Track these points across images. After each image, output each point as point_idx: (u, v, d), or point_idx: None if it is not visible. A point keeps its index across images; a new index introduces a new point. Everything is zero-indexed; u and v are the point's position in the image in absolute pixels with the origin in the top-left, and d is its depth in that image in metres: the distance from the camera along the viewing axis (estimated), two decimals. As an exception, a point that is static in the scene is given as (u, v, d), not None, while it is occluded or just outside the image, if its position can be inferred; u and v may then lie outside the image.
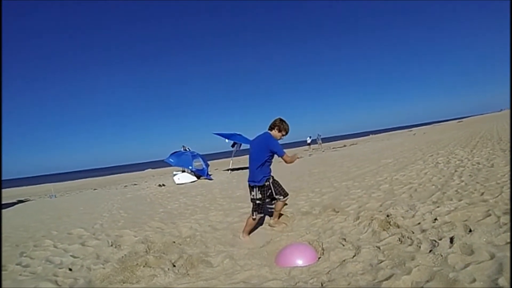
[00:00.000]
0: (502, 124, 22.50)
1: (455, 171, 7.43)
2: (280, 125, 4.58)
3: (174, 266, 3.74)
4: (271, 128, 4.64)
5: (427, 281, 2.62)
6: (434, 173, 7.56)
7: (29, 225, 7.17)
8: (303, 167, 14.24)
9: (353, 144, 35.13)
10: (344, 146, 33.13)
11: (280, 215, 5.26)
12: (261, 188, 4.54)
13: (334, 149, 30.40)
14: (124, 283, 3.40)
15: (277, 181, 4.87)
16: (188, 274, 3.54)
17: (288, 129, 4.64)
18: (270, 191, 4.70)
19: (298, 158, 4.86)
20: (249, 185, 4.65)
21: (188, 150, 16.20)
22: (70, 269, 3.90)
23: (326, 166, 13.19)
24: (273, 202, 4.99)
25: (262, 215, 4.65)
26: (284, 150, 4.42)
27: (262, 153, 4.50)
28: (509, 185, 5.28)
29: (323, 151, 29.74)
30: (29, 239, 5.64)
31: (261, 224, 5.13)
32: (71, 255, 4.45)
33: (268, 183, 4.64)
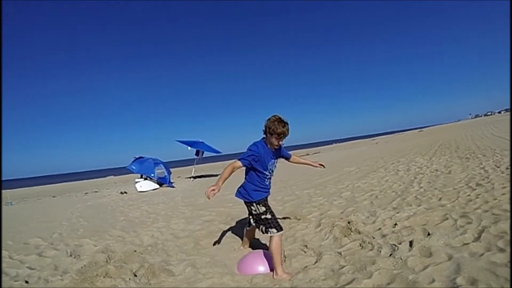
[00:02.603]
0: (460, 134, 23.47)
1: (415, 178, 7.78)
2: (266, 125, 3.45)
3: (136, 275, 3.71)
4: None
5: (388, 284, 2.79)
6: (395, 180, 7.88)
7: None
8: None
9: (316, 153, 35.56)
10: (307, 154, 33.51)
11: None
12: (257, 203, 3.63)
13: None
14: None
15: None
16: (149, 284, 3.53)
17: (277, 128, 3.34)
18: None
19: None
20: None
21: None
22: (27, 282, 3.78)
23: (288, 174, 13.35)
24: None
25: (282, 230, 3.56)
26: (239, 158, 3.43)
27: None
28: (465, 190, 5.65)
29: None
30: (-18, 251, 5.37)
31: (225, 235, 5.17)
32: (27, 267, 4.29)
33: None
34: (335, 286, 2.93)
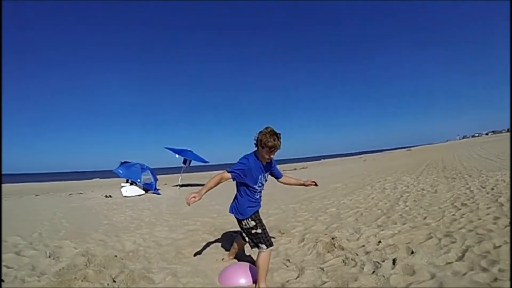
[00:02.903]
0: (447, 154, 23.82)
1: (401, 196, 7.85)
2: (257, 137, 3.35)
3: (114, 281, 3.65)
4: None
5: None
6: (381, 198, 7.94)
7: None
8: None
9: (303, 168, 35.63)
10: (295, 169, 33.55)
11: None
12: (247, 218, 3.50)
13: (283, 172, 30.51)
14: (59, 297, 3.27)
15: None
16: (128, 290, 3.46)
17: (268, 140, 3.24)
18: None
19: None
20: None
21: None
22: (2, 280, 3.68)
23: (273, 188, 13.34)
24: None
25: (271, 246, 3.50)
26: (229, 170, 3.35)
27: None
28: (450, 210, 5.76)
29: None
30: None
31: (208, 245, 5.13)
32: (4, 265, 4.18)
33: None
34: (316, 302, 2.93)
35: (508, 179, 8.37)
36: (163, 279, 3.74)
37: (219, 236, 5.52)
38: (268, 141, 3.23)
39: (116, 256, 4.57)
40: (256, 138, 3.36)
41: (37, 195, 17.32)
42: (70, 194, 16.81)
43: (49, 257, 4.57)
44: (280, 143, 3.34)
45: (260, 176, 3.50)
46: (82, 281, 3.57)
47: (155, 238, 5.69)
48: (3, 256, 4.55)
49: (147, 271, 3.98)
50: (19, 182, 38.20)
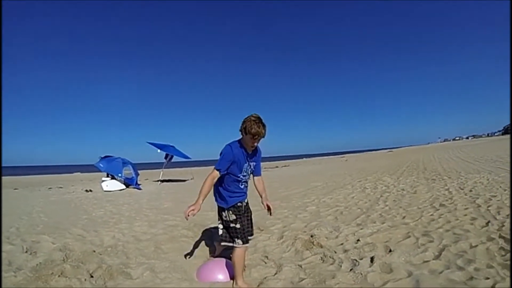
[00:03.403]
0: (428, 156, 24.14)
1: (381, 196, 7.98)
2: (242, 124, 3.28)
3: (92, 276, 3.66)
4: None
5: None
6: (361, 197, 8.06)
7: None
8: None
9: (285, 166, 35.59)
10: (276, 167, 33.54)
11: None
12: (229, 209, 3.47)
13: (265, 169, 30.58)
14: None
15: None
16: (105, 286, 3.49)
17: (252, 127, 3.16)
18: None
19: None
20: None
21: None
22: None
23: (252, 185, 13.47)
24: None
25: (247, 243, 3.50)
26: (216, 167, 3.31)
27: None
28: (429, 210, 5.87)
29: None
30: None
31: (187, 241, 5.15)
32: (-21, 260, 4.15)
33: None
34: (294, 299, 2.99)
35: (485, 181, 8.61)
36: (141, 274, 3.76)
37: (199, 232, 5.56)
38: (252, 127, 3.15)
39: (94, 251, 4.57)
40: (241, 124, 3.28)
41: (15, 189, 17.02)
42: (50, 188, 16.63)
43: (26, 252, 4.54)
44: (265, 131, 3.25)
45: (245, 165, 3.43)
46: (59, 276, 3.58)
47: (134, 233, 5.70)
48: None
49: (125, 266, 3.99)
50: (-5, 175, 37.14)
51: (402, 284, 3.04)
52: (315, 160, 51.08)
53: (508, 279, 2.91)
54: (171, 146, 17.47)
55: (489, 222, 4.72)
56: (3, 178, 31.35)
